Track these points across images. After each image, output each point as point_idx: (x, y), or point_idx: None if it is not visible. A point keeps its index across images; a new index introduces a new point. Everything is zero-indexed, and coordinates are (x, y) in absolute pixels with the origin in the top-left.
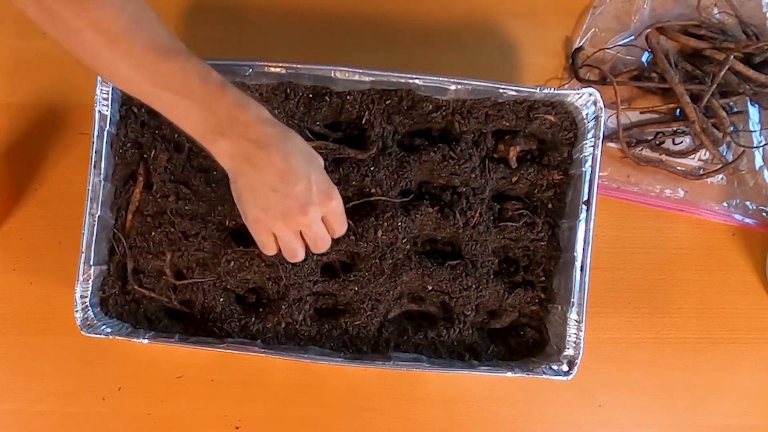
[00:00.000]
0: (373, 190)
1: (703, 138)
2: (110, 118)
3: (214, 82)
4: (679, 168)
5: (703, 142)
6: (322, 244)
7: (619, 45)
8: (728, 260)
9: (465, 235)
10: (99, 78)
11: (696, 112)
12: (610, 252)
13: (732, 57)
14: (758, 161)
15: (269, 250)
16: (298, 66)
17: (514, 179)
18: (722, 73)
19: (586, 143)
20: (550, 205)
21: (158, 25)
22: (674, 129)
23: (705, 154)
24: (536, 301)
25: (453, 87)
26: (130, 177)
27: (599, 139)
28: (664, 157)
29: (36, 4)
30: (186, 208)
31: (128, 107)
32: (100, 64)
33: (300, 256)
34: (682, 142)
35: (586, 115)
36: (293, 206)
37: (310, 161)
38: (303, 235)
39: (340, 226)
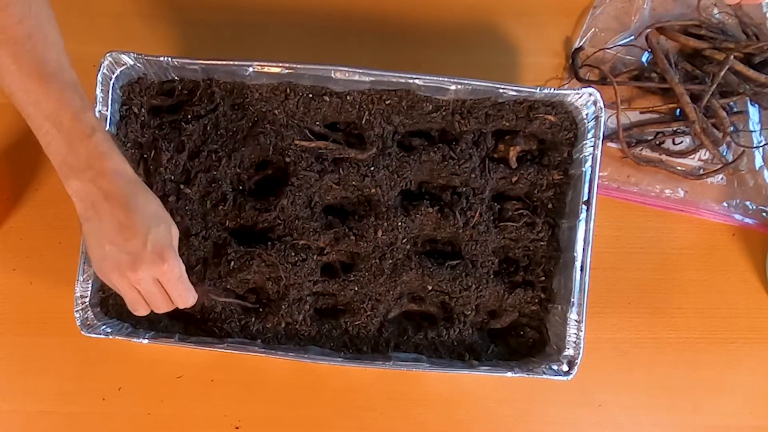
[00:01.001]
0: (373, 190)
1: (703, 138)
2: (110, 118)
3: (86, 123)
4: (679, 168)
5: (703, 142)
6: (157, 303)
7: (619, 45)
8: (728, 260)
9: (465, 235)
10: (99, 78)
11: (696, 112)
12: (610, 252)
13: (732, 57)
14: (758, 161)
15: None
16: (298, 66)
17: (514, 179)
18: (722, 73)
19: (586, 143)
20: (550, 205)
21: (53, 47)
22: (674, 129)
23: (705, 154)
24: (536, 301)
25: (453, 87)
26: None
27: (599, 139)
28: (664, 157)
29: None
30: (186, 208)
31: (128, 107)
32: None
33: (141, 311)
34: (682, 142)
35: (586, 115)
36: (124, 261)
37: (155, 222)
38: (140, 291)
39: (178, 293)
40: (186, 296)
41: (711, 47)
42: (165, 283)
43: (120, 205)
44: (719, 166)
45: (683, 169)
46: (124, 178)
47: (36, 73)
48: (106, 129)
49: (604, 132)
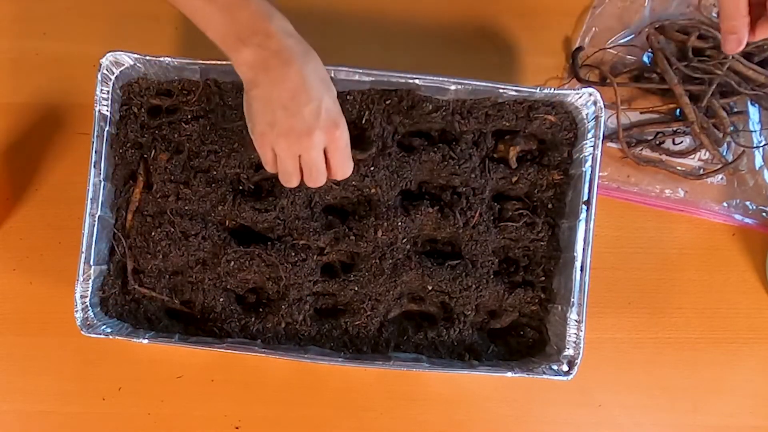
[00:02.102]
0: (373, 190)
1: (703, 138)
2: (110, 118)
3: None
4: (679, 168)
5: (703, 142)
6: (316, 175)
7: (619, 45)
8: (728, 260)
9: (465, 235)
10: (99, 78)
11: (696, 113)
12: (610, 252)
13: (732, 57)
14: (758, 161)
15: (269, 167)
16: None
17: (514, 179)
18: (722, 72)
19: (586, 143)
20: (550, 205)
21: None
22: (674, 129)
23: (705, 154)
24: (536, 301)
25: (453, 87)
26: (130, 177)
27: (599, 139)
28: (664, 157)
29: None
30: (186, 208)
31: (128, 107)
32: None
33: (293, 182)
34: (682, 142)
35: (586, 115)
36: (298, 126)
37: (325, 86)
38: (301, 162)
39: (341, 165)
40: (346, 166)
41: (711, 47)
42: (333, 150)
43: (294, 67)
44: (719, 167)
45: (683, 169)
46: (292, 37)
47: None
48: (106, 129)
49: (604, 132)
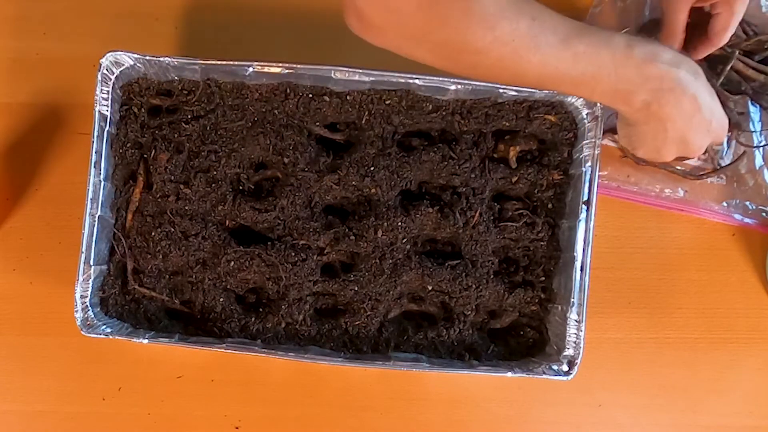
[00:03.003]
0: (373, 190)
1: None
2: (110, 118)
3: (618, 45)
4: (678, 168)
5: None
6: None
7: None
8: (728, 260)
9: (465, 235)
10: (99, 78)
11: None
12: (610, 252)
13: (738, 53)
14: (758, 161)
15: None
16: (298, 66)
17: (514, 179)
18: (728, 68)
19: (585, 143)
20: (550, 205)
21: (548, 13)
22: None
23: (704, 154)
24: (536, 301)
25: (453, 87)
26: (130, 177)
27: (599, 138)
28: None
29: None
30: (186, 208)
31: (128, 107)
32: (507, 74)
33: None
34: None
35: (586, 115)
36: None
37: (712, 95)
38: None
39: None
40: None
41: None
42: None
43: (688, 96)
44: (718, 168)
45: (682, 168)
46: (682, 64)
47: (556, 46)
48: (106, 129)
49: (603, 130)
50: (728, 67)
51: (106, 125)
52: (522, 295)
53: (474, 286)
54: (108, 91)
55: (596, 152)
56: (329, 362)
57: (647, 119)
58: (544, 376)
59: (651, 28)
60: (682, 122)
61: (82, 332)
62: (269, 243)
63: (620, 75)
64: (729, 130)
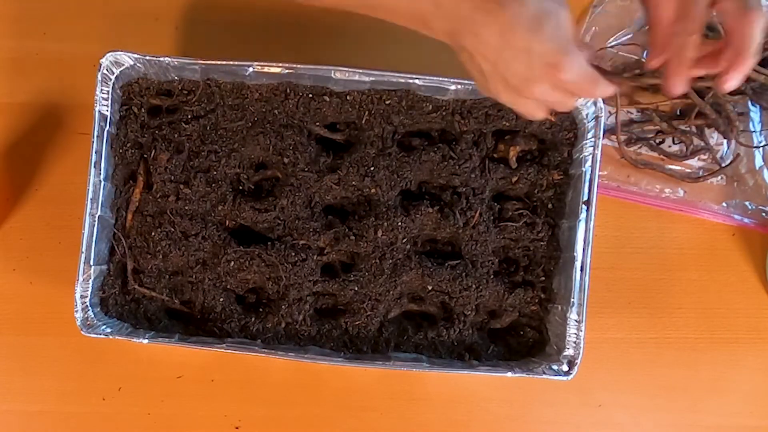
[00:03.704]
0: (373, 190)
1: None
2: (110, 118)
3: None
4: (677, 168)
5: (704, 140)
6: (559, 106)
7: (620, 43)
8: (728, 260)
9: (465, 235)
10: (99, 78)
11: (708, 107)
12: (610, 252)
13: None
14: (758, 161)
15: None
16: (298, 66)
17: (514, 179)
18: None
19: (586, 143)
20: (550, 205)
21: None
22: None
23: (705, 154)
24: (536, 301)
25: (453, 87)
26: (130, 177)
27: (599, 138)
28: (663, 157)
29: None
30: (186, 208)
31: (128, 107)
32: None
33: (539, 115)
34: (681, 142)
35: (586, 115)
36: (512, 83)
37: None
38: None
39: (581, 92)
40: (592, 92)
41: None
42: (564, 87)
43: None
44: (717, 169)
45: (681, 169)
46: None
47: None
48: (106, 129)
49: (604, 130)
50: None
51: (106, 125)
52: (522, 295)
53: (474, 286)
54: (108, 91)
55: (596, 152)
56: (329, 362)
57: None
58: (544, 376)
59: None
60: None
61: (82, 332)
62: (269, 243)
63: (441, 6)
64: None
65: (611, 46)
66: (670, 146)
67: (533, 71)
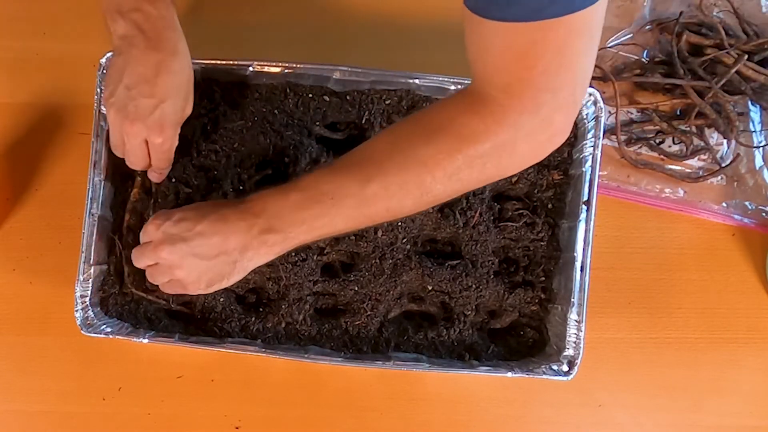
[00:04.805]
0: None
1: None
2: None
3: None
4: (676, 168)
5: (704, 140)
6: (133, 159)
7: (620, 43)
8: (728, 260)
9: (465, 235)
10: (99, 78)
11: (707, 107)
12: (610, 252)
13: (745, 55)
14: (758, 161)
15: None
16: (298, 66)
17: (514, 179)
18: (735, 69)
19: (586, 143)
20: (550, 205)
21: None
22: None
23: (705, 154)
24: (536, 301)
25: (453, 87)
26: (130, 177)
27: (599, 138)
28: (663, 157)
29: None
30: None
31: None
32: None
33: (117, 152)
34: (681, 142)
35: (586, 115)
36: (129, 111)
37: (175, 92)
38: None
39: (158, 162)
40: (163, 167)
41: (713, 44)
42: (152, 149)
43: (154, 59)
44: (716, 169)
45: (681, 169)
46: (174, 31)
47: None
48: (106, 129)
49: (604, 130)
50: (733, 71)
51: (106, 125)
52: (522, 295)
53: (474, 286)
54: None
55: (596, 152)
56: (329, 362)
57: (119, 51)
58: (544, 376)
59: (651, 29)
60: (134, 76)
61: (82, 332)
62: None
63: None
64: None
65: (611, 46)
66: (670, 146)
67: (149, 118)
